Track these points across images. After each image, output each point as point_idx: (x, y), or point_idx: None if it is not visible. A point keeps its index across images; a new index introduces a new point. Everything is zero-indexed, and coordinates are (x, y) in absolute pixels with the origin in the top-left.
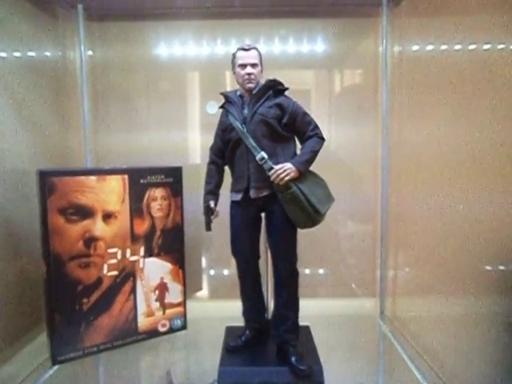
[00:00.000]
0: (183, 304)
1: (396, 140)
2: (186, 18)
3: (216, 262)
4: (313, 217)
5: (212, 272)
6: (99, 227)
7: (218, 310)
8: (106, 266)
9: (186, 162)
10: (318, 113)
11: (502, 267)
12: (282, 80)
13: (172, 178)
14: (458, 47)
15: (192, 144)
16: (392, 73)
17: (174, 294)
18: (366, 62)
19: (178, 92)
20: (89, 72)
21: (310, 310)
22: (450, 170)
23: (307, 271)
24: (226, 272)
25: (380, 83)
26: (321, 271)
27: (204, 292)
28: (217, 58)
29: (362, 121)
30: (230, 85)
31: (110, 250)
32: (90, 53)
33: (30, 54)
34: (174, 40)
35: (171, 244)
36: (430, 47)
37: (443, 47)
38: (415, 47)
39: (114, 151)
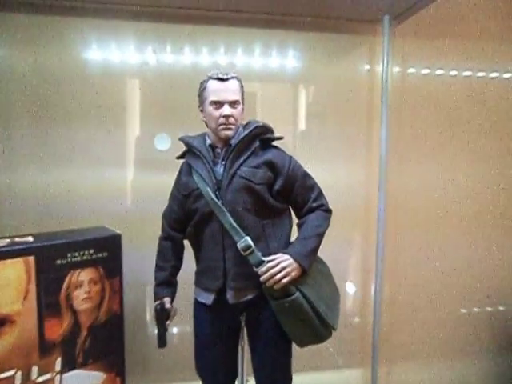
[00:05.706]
0: None
1: (394, 185)
2: (126, 17)
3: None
4: (320, 332)
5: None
6: None
7: None
8: None
9: (130, 209)
10: (302, 138)
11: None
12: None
13: (106, 253)
14: (467, 73)
15: (138, 185)
16: (392, 99)
17: None
18: (361, 85)
19: (116, 113)
20: None
21: None
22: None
23: None
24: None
25: (374, 108)
26: None
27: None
28: (174, 68)
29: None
30: (187, 107)
31: (2, 375)
32: None
33: None
34: (111, 43)
35: (105, 345)
36: (425, 71)
37: (452, 73)
38: (411, 70)
39: (22, 198)
